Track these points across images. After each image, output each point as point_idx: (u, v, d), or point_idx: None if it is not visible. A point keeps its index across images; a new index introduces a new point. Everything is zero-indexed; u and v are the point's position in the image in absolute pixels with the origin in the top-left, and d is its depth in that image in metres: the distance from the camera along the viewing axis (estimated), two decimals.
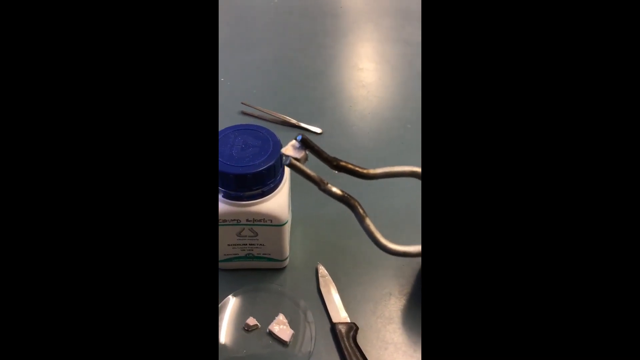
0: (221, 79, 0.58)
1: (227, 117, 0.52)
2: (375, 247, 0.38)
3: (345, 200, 0.28)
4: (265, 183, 0.30)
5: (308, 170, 0.28)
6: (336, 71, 0.63)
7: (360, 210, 0.28)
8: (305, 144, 0.27)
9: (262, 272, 0.36)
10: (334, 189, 0.28)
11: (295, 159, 0.27)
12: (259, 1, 0.78)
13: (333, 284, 0.36)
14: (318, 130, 0.51)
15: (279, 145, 0.31)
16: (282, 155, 0.27)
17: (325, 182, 0.28)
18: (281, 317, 0.32)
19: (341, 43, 0.69)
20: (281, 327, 0.32)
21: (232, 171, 0.28)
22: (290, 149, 0.27)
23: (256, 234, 0.32)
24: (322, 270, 0.36)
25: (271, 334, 0.32)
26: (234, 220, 0.31)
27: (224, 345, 0.31)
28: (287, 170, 0.33)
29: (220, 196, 0.30)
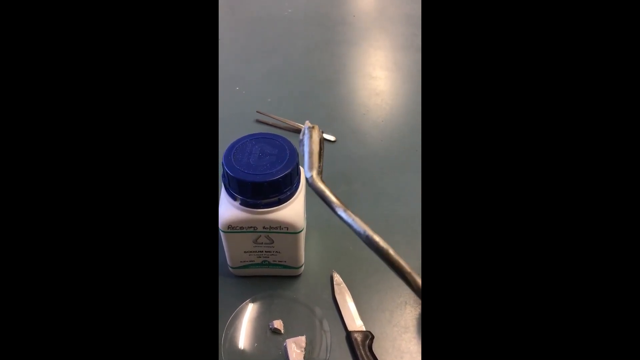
0: (236, 88, 0.59)
1: (243, 125, 0.53)
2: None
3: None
4: (281, 191, 0.30)
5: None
6: (349, 79, 0.63)
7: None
8: None
9: (277, 280, 0.36)
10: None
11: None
12: (273, 10, 0.79)
13: (348, 291, 0.36)
14: (332, 138, 0.52)
15: (295, 154, 0.31)
16: (298, 170, 0.27)
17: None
18: (303, 339, 0.32)
19: (354, 51, 0.69)
20: (296, 351, 0.31)
21: (250, 179, 0.29)
22: None
23: (272, 242, 0.33)
24: (337, 278, 0.36)
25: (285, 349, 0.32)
26: (251, 227, 0.31)
27: (244, 349, 0.32)
28: (302, 177, 0.33)
29: (237, 204, 0.31)
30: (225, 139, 0.51)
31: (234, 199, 0.31)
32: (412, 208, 0.43)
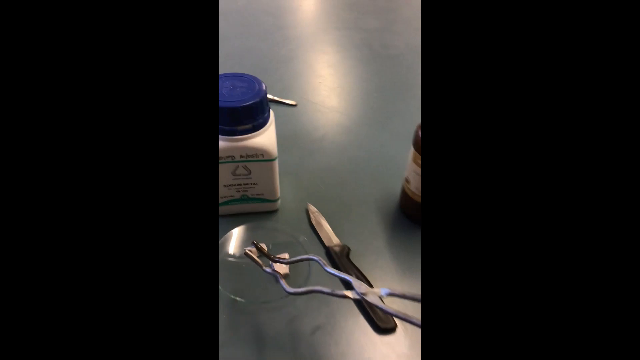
0: None
1: None
2: (360, 190, 0.42)
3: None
4: (255, 117, 0.33)
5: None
6: (304, 56, 0.68)
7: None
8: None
9: (256, 216, 0.39)
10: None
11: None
12: (225, 3, 0.83)
13: (323, 217, 0.39)
14: (293, 102, 0.55)
15: (262, 86, 0.34)
16: (267, 101, 0.30)
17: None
18: (286, 255, 0.34)
19: (305, 33, 0.74)
20: (280, 265, 0.33)
21: (226, 105, 0.32)
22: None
23: (249, 172, 0.35)
24: (311, 207, 0.40)
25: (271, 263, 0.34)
26: (229, 157, 0.34)
27: (236, 263, 0.34)
28: (272, 112, 0.36)
29: None
30: None
31: None
32: (371, 153, 0.48)
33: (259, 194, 0.37)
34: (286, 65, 0.65)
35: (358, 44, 0.71)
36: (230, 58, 0.65)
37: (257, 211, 0.39)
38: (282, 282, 0.30)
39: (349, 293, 0.26)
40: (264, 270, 0.31)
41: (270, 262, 0.33)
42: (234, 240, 0.36)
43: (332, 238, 0.37)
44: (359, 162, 0.46)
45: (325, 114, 0.54)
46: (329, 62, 0.66)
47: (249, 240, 0.36)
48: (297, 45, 0.70)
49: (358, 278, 0.33)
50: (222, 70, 0.61)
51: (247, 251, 0.31)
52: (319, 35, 0.74)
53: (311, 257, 0.30)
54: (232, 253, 0.35)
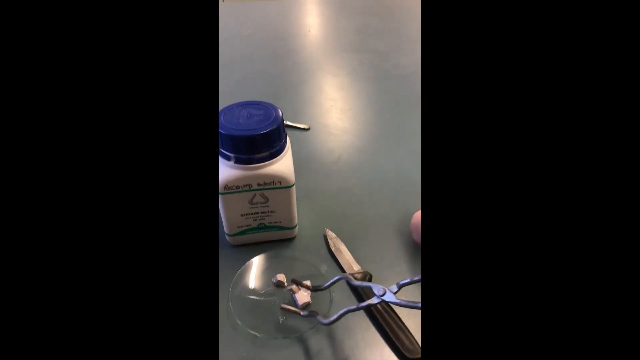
0: None
1: None
2: (378, 212, 0.42)
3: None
4: (272, 145, 0.33)
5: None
6: (315, 79, 0.68)
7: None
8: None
9: (273, 245, 0.38)
10: None
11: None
12: (234, 31, 0.85)
13: (342, 243, 0.38)
14: (306, 126, 0.55)
15: (279, 112, 0.34)
16: (284, 127, 0.31)
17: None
18: (307, 282, 0.34)
19: (315, 58, 0.75)
20: (302, 294, 0.33)
21: (243, 134, 0.31)
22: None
23: (267, 200, 0.35)
24: (330, 233, 0.39)
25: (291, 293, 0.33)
26: (246, 185, 0.33)
27: (256, 299, 0.33)
28: (288, 139, 0.36)
29: (231, 163, 0.33)
30: None
31: (228, 159, 0.33)
32: (386, 173, 0.47)
33: (276, 222, 0.37)
34: (297, 89, 0.65)
35: (368, 66, 0.72)
36: (241, 83, 0.66)
37: (275, 239, 0.38)
38: (319, 317, 0.30)
39: (371, 300, 0.30)
40: (302, 316, 0.31)
41: (292, 292, 0.33)
42: (253, 272, 0.35)
43: (352, 265, 0.36)
44: (375, 184, 0.46)
45: (339, 136, 0.54)
46: (340, 84, 0.67)
47: (267, 271, 0.35)
48: (307, 69, 0.71)
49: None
50: (231, 95, 0.62)
51: (282, 306, 0.31)
52: (329, 58, 0.75)
53: (341, 276, 0.32)
54: (251, 287, 0.34)
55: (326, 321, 0.29)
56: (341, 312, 0.29)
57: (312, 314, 0.31)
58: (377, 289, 0.30)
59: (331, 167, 0.48)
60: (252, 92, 0.64)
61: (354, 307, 0.29)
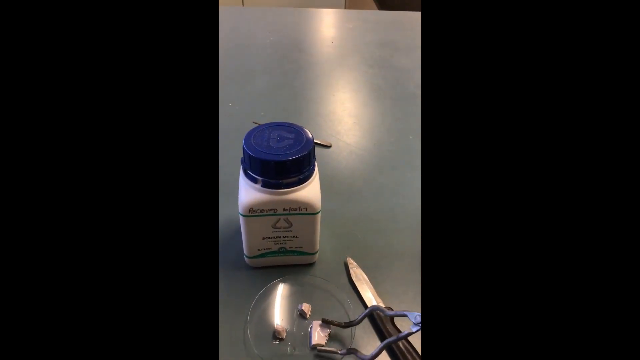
0: (229, 104, 0.61)
1: (239, 138, 0.55)
2: (402, 241, 0.40)
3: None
4: (301, 170, 0.32)
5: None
6: (337, 94, 0.67)
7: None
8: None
9: (292, 269, 0.37)
10: None
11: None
12: (256, 38, 0.84)
13: (364, 273, 0.37)
14: (327, 143, 0.54)
15: (310, 137, 0.33)
16: (314, 152, 0.30)
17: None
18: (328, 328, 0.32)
19: (338, 71, 0.74)
20: (320, 334, 0.32)
21: (273, 158, 0.30)
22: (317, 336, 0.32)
23: (290, 225, 0.34)
24: (351, 261, 0.37)
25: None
26: (271, 210, 0.32)
27: (275, 328, 0.32)
28: (316, 163, 0.35)
29: (258, 186, 0.32)
30: (222, 147, 0.52)
31: (255, 181, 0.32)
32: (411, 200, 0.46)
33: (297, 247, 0.36)
34: (319, 103, 0.64)
35: (392, 83, 0.70)
36: (261, 96, 0.65)
37: (294, 264, 0.37)
38: (360, 354, 0.30)
39: (410, 329, 0.28)
40: (340, 353, 0.30)
41: (311, 327, 0.32)
42: (273, 299, 0.34)
43: (374, 299, 0.35)
44: (398, 209, 0.44)
45: (361, 156, 0.53)
46: (363, 101, 0.65)
47: (288, 298, 0.34)
48: (329, 83, 0.70)
49: (407, 349, 0.31)
50: (250, 109, 0.61)
51: (319, 348, 0.31)
52: (352, 72, 0.74)
53: (373, 307, 0.32)
54: (270, 314, 0.33)
55: (367, 357, 0.29)
56: (381, 345, 0.29)
57: (352, 351, 0.30)
58: (413, 316, 0.29)
59: (353, 188, 0.47)
60: (272, 104, 0.63)
61: (393, 338, 0.29)
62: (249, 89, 0.66)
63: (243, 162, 0.33)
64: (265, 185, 0.32)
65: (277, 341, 0.31)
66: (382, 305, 0.34)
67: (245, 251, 0.36)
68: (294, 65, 0.75)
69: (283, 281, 0.35)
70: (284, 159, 0.31)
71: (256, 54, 0.78)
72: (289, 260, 0.37)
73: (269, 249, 0.35)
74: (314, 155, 0.33)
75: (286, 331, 0.32)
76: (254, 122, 0.56)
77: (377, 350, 0.29)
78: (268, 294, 0.34)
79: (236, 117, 0.59)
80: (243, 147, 0.32)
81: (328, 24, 0.99)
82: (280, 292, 0.35)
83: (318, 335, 0.32)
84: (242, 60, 0.76)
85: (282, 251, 0.36)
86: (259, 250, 0.35)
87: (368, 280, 0.36)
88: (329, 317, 0.32)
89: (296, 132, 0.33)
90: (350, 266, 0.37)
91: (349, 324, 0.32)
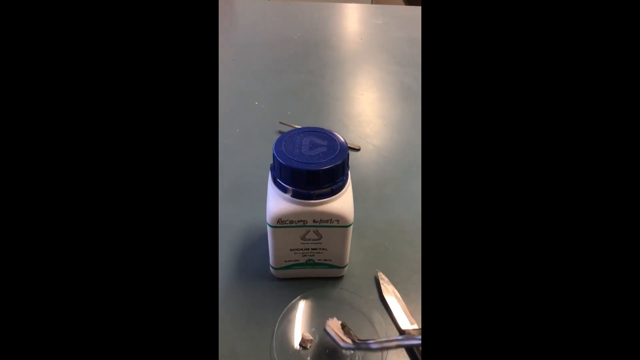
0: (255, 103, 0.60)
1: (265, 136, 0.53)
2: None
3: None
4: (335, 181, 0.30)
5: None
6: (366, 94, 0.64)
7: None
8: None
9: (318, 282, 0.35)
10: None
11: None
12: (283, 34, 0.82)
13: (396, 290, 0.34)
14: (356, 146, 0.52)
15: (345, 145, 0.31)
16: (348, 161, 0.27)
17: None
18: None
19: (366, 69, 0.71)
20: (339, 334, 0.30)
21: (304, 167, 0.28)
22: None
23: (320, 237, 0.32)
24: (382, 276, 0.35)
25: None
26: (301, 221, 0.30)
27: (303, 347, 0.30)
28: (349, 173, 0.33)
29: (288, 196, 0.30)
30: (249, 147, 0.50)
31: (285, 191, 0.30)
32: None
33: (326, 260, 0.34)
34: (346, 103, 0.62)
35: None
36: (287, 94, 0.63)
37: (321, 276, 0.35)
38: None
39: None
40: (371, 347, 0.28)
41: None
42: (301, 314, 0.32)
43: (408, 319, 0.32)
44: None
45: (391, 160, 0.50)
46: (392, 101, 0.63)
47: (316, 314, 0.32)
48: (358, 82, 0.67)
49: None
50: (276, 108, 0.59)
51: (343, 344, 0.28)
52: (381, 71, 0.71)
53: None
54: (297, 331, 0.31)
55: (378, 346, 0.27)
56: (400, 339, 0.27)
57: (364, 344, 0.28)
58: None
59: (383, 195, 0.45)
60: (297, 103, 0.60)
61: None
62: (275, 86, 0.64)
63: (272, 169, 0.31)
64: (295, 195, 0.30)
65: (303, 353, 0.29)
66: (416, 326, 0.32)
67: (271, 262, 0.34)
68: (320, 63, 0.72)
69: (310, 295, 0.33)
70: (317, 168, 0.28)
71: (279, 52, 0.76)
72: (316, 272, 0.35)
73: (297, 260, 0.33)
74: (347, 165, 0.31)
75: (311, 342, 0.30)
76: (280, 122, 0.54)
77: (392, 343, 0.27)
78: (295, 309, 0.33)
79: (262, 116, 0.57)
80: (273, 154, 0.30)
81: (355, 20, 0.96)
82: (307, 306, 0.33)
83: (340, 335, 0.29)
84: (268, 56, 0.74)
85: (310, 263, 0.34)
86: (285, 261, 0.33)
87: (400, 297, 0.34)
88: (357, 334, 0.30)
89: (329, 139, 0.31)
90: (381, 281, 0.35)
91: (362, 343, 0.29)
